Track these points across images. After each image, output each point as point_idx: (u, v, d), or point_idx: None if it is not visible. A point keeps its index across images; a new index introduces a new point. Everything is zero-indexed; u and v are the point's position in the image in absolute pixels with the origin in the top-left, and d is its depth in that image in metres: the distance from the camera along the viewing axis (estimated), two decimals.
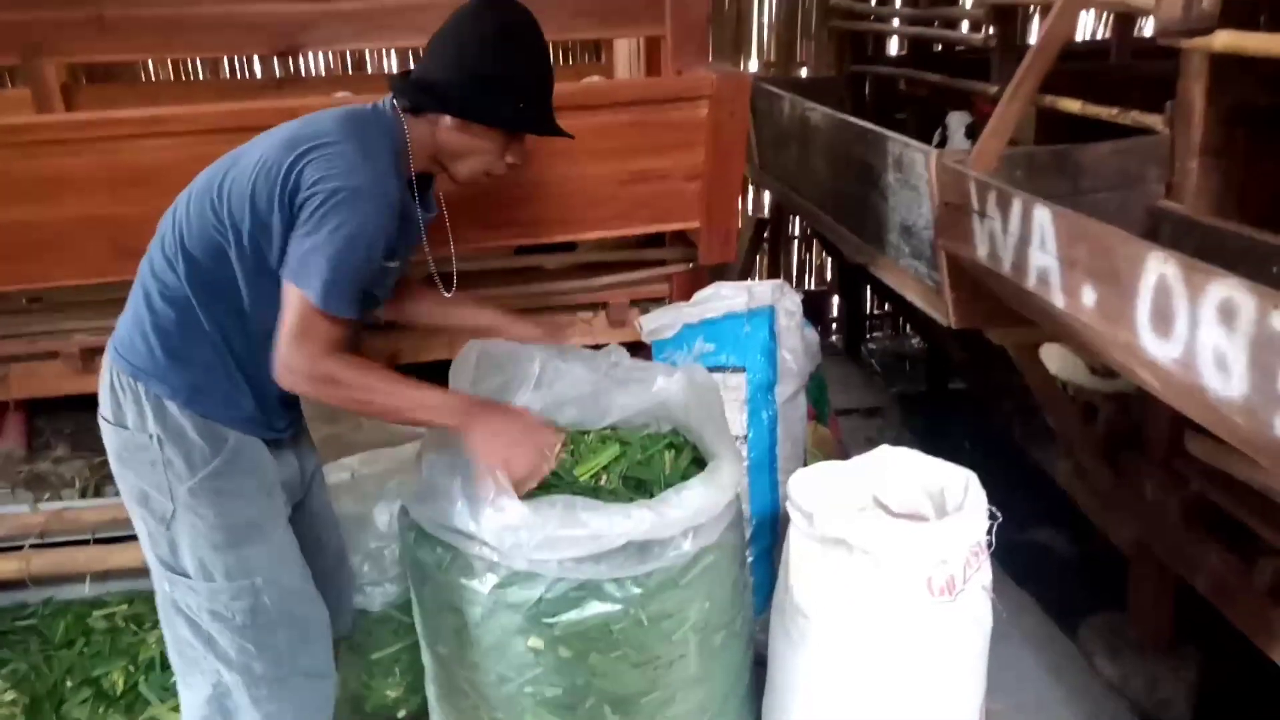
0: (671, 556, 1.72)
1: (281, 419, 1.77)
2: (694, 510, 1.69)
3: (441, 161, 1.75)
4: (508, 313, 2.06)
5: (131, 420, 1.64)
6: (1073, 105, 2.40)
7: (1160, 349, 1.40)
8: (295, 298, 1.53)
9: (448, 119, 1.69)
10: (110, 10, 2.69)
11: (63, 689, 2.45)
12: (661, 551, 1.71)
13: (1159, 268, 1.38)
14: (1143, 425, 2.41)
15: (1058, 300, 1.66)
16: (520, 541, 1.63)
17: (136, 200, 2.20)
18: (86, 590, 2.74)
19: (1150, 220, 2.03)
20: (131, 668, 2.49)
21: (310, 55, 3.92)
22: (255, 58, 3.93)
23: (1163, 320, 1.38)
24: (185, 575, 1.68)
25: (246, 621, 1.69)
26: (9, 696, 2.42)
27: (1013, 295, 1.93)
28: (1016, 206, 1.78)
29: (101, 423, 1.71)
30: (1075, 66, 2.24)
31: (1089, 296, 1.57)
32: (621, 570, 1.69)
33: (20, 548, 2.68)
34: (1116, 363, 1.65)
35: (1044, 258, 1.69)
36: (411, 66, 1.73)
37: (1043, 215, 1.69)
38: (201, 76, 4.05)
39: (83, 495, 2.78)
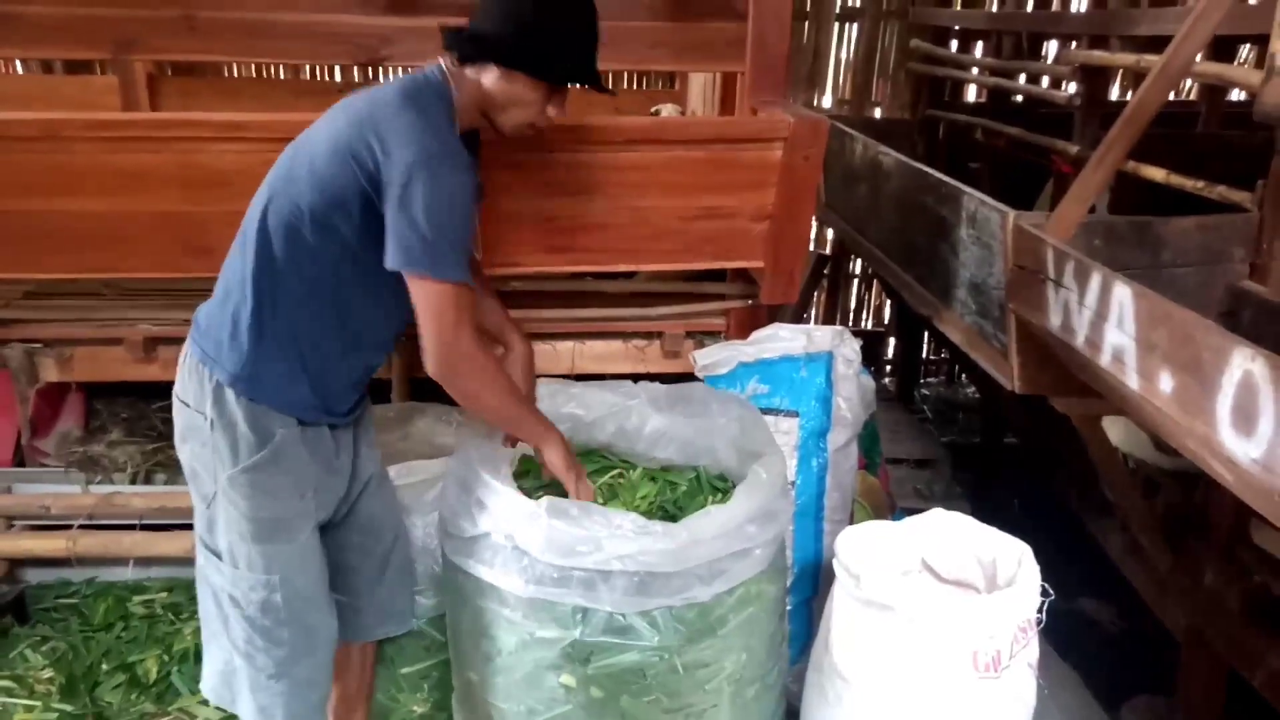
0: (694, 592, 1.69)
1: (343, 403, 1.82)
2: (702, 536, 1.66)
3: (488, 114, 1.78)
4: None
5: (194, 399, 1.72)
6: (1157, 174, 2.35)
7: (1240, 446, 1.35)
8: (418, 284, 1.62)
9: (494, 70, 1.73)
10: (201, 12, 2.76)
11: (98, 671, 2.49)
12: (683, 586, 1.68)
13: (1244, 364, 1.33)
14: (1206, 508, 2.34)
15: (1132, 382, 1.61)
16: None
17: (210, 201, 2.24)
18: (129, 574, 2.78)
19: (1231, 300, 1.96)
20: (165, 657, 2.52)
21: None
22: None
23: (1245, 418, 1.33)
24: (217, 555, 1.77)
25: (256, 614, 1.76)
26: (46, 674, 2.46)
27: (1083, 369, 1.87)
28: (1095, 280, 1.73)
29: (174, 400, 1.78)
30: (1159, 131, 2.16)
31: (1166, 383, 1.52)
32: (640, 603, 1.66)
33: (69, 527, 2.73)
34: (1189, 451, 1.59)
35: (1120, 337, 1.64)
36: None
37: (1123, 293, 1.64)
38: (282, 76, 4.12)
39: (133, 481, 2.82)
